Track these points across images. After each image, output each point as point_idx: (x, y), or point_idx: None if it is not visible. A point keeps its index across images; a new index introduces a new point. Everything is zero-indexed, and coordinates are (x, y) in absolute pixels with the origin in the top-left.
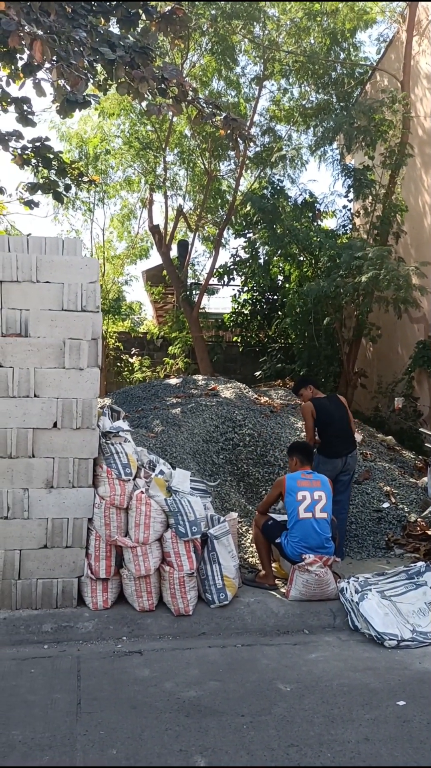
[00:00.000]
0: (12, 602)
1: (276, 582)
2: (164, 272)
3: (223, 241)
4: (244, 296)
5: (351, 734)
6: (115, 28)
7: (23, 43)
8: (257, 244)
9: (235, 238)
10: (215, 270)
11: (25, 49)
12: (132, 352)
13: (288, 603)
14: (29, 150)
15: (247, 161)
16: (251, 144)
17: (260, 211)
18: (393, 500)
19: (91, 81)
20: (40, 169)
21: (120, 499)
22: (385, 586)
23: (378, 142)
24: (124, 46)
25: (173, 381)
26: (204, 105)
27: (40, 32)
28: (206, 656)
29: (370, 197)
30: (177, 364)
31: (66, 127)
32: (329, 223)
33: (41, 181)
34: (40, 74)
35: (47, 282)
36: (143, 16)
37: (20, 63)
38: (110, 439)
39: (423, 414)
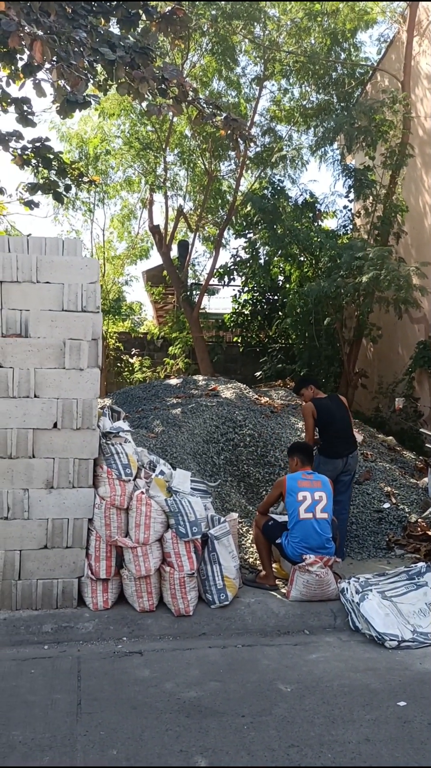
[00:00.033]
0: (12, 603)
1: (277, 582)
2: (165, 272)
3: (223, 241)
4: (244, 296)
5: (351, 735)
6: (115, 29)
7: (23, 43)
8: (258, 244)
9: (235, 238)
10: (215, 270)
11: (26, 49)
12: (132, 353)
13: (289, 603)
14: (29, 150)
15: (247, 161)
16: (252, 144)
17: (261, 211)
18: (394, 501)
19: (92, 81)
20: (40, 169)
21: (120, 500)
22: (386, 587)
23: (378, 142)
24: (124, 47)
25: (174, 381)
26: (204, 105)
27: (40, 33)
28: (207, 657)
29: (371, 197)
30: (177, 364)
31: (66, 127)
32: (329, 224)
33: (41, 181)
34: (41, 74)
35: (47, 282)
36: (144, 17)
37: (20, 63)
38: (111, 439)
39: (424, 414)
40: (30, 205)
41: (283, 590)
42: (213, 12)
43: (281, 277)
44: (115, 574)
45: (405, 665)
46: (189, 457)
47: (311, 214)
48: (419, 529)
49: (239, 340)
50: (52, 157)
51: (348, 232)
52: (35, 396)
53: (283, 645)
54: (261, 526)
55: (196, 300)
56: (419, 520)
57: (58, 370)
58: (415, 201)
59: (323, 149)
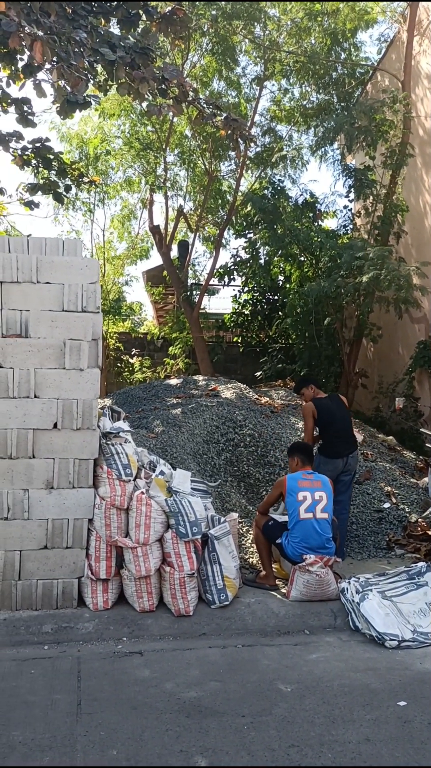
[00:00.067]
0: (12, 603)
1: (277, 582)
2: (165, 273)
3: (223, 241)
4: (244, 296)
5: (351, 735)
6: (115, 29)
7: (23, 43)
8: (258, 244)
9: (235, 238)
10: (215, 270)
11: (26, 49)
12: (132, 353)
13: (289, 603)
14: (29, 151)
15: (247, 161)
16: (252, 144)
17: (261, 211)
18: (394, 500)
19: (92, 82)
20: (40, 169)
21: (120, 500)
22: (386, 587)
23: (378, 142)
24: (124, 47)
25: (174, 381)
26: (205, 105)
27: (40, 33)
28: (207, 657)
29: (371, 197)
30: (177, 364)
31: (66, 127)
32: (329, 224)
33: (41, 181)
34: (41, 75)
35: (48, 283)
36: (144, 17)
37: (20, 64)
38: (111, 439)
39: (424, 414)
40: (30, 205)
41: (283, 590)
42: (213, 12)
43: (281, 277)
44: (115, 575)
45: (405, 665)
46: (189, 457)
47: (311, 214)
48: (419, 528)
49: (240, 340)
50: (52, 157)
51: (348, 231)
52: (35, 396)
53: (283, 645)
54: (261, 526)
55: (196, 300)
56: (419, 519)
57: (59, 370)
58: (415, 201)
59: (323, 149)
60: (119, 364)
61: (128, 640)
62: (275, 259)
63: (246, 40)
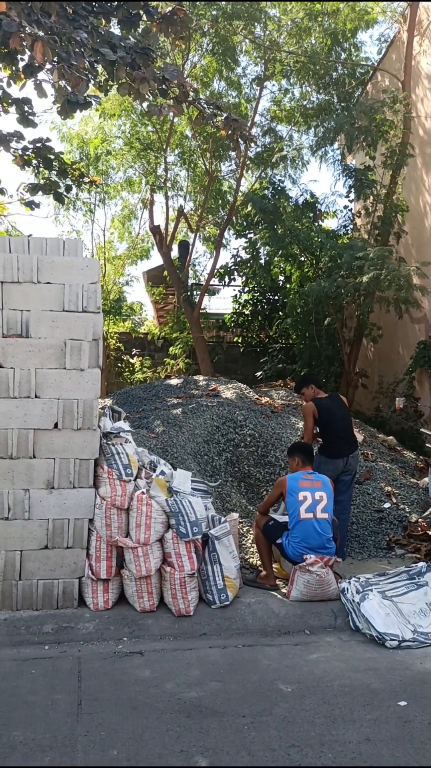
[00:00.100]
0: (13, 603)
1: (277, 582)
2: (165, 273)
3: (224, 241)
4: (245, 297)
5: (352, 735)
6: (116, 29)
7: (24, 44)
8: (258, 244)
9: (236, 238)
10: (215, 270)
11: (26, 50)
12: (133, 353)
13: (289, 603)
14: (30, 151)
15: (248, 162)
16: (252, 144)
17: (261, 211)
18: (394, 500)
19: (92, 82)
20: (40, 169)
21: (121, 500)
22: (386, 587)
23: (378, 142)
24: (125, 47)
25: (174, 381)
26: (205, 105)
27: (41, 33)
28: (207, 657)
29: (371, 197)
30: (178, 364)
31: (67, 128)
32: (330, 224)
33: (42, 181)
34: (41, 75)
35: (48, 283)
36: (144, 17)
37: (21, 64)
38: (111, 439)
39: (424, 414)
40: (31, 205)
41: (283, 590)
42: (214, 12)
43: (281, 277)
44: (115, 575)
45: (405, 665)
46: (190, 457)
47: (311, 214)
48: (419, 528)
49: (240, 340)
50: (52, 157)
51: (349, 232)
52: (36, 396)
53: (284, 645)
54: (262, 526)
55: (196, 300)
56: (419, 519)
57: (59, 370)
58: (415, 201)
59: (323, 149)
60: (119, 364)
61: (129, 640)
62: (276, 259)
63: (247, 41)
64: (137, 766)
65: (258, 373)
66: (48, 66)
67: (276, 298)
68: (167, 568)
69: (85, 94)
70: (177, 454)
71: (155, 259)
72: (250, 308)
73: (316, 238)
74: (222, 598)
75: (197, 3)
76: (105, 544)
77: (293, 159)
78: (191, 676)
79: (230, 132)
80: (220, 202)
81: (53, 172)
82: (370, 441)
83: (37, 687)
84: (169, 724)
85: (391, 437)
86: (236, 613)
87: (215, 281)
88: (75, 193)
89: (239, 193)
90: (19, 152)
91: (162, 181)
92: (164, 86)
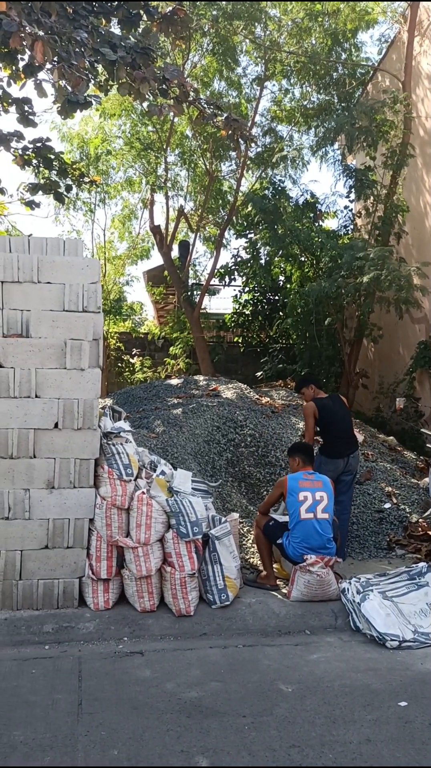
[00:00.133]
0: (13, 603)
1: (278, 582)
2: (165, 273)
3: (224, 241)
4: (245, 297)
5: (352, 735)
6: (116, 29)
7: (24, 43)
8: (259, 244)
9: (236, 238)
10: (216, 270)
11: (27, 49)
12: (133, 353)
13: (290, 603)
14: (30, 150)
15: (248, 162)
16: (253, 144)
17: (262, 211)
18: (395, 501)
19: (93, 82)
20: (41, 169)
21: (121, 500)
22: (387, 587)
23: (379, 142)
24: (125, 47)
25: (174, 381)
26: (205, 105)
27: (41, 33)
28: (208, 657)
29: (371, 198)
30: (178, 364)
31: (67, 127)
32: (330, 224)
33: (42, 181)
34: (42, 75)
35: (48, 282)
36: (145, 17)
37: (21, 64)
38: (111, 439)
39: (425, 414)
40: (31, 205)
41: (284, 590)
42: (214, 12)
43: (281, 278)
44: (116, 574)
45: (406, 665)
46: (190, 457)
47: (311, 215)
48: (420, 529)
49: (240, 341)
50: (53, 157)
51: (349, 232)
52: (36, 396)
53: (284, 645)
54: (262, 526)
55: (197, 300)
56: (420, 520)
57: (59, 370)
58: (416, 201)
59: (324, 149)
60: (119, 364)
61: (129, 640)
62: (276, 259)
63: (247, 41)
64: (137, 766)
65: (259, 373)
66: (48, 66)
67: (277, 298)
68: (167, 568)
69: (86, 94)
70: (177, 454)
71: (156, 259)
72: (250, 308)
73: (316, 239)
74: (223, 598)
75: (198, 3)
76: (105, 544)
77: (294, 159)
78: (191, 676)
79: (230, 132)
80: (220, 202)
81: (53, 171)
82: (370, 441)
83: (37, 687)
84: (169, 724)
85: (391, 437)
86: (237, 613)
87: (215, 281)
88: (75, 193)
89: (240, 193)
90: (19, 152)
91: (162, 181)
92: (164, 86)
